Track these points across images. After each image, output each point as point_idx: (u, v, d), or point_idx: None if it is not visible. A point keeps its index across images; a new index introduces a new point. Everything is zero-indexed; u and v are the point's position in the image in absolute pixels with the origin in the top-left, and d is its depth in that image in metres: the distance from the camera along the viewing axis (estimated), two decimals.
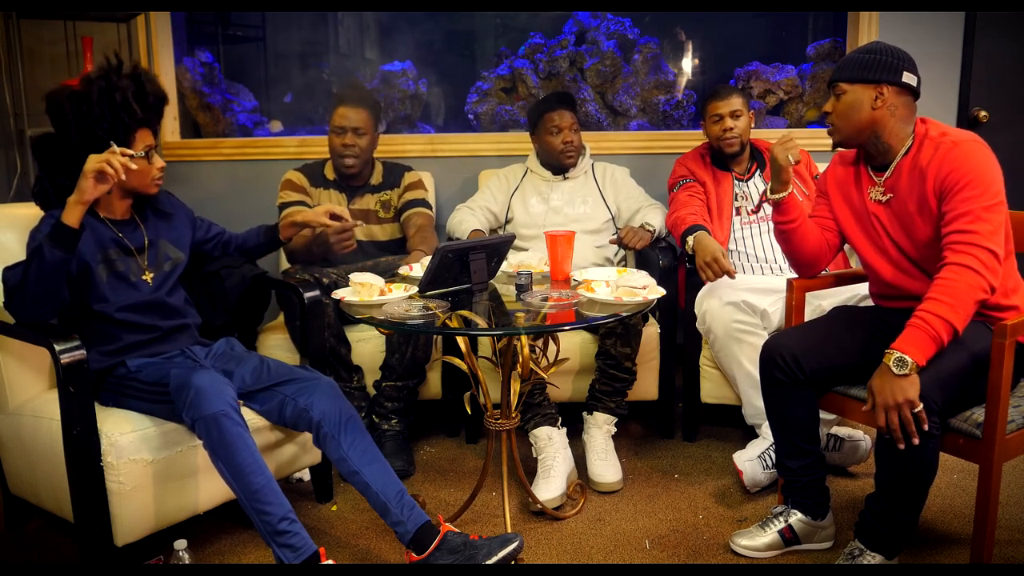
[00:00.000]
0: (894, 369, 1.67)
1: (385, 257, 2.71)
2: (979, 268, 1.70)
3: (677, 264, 2.62)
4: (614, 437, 2.50)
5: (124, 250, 2.01)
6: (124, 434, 1.83)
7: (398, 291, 1.98)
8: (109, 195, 1.98)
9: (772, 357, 1.96)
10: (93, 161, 1.78)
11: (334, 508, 2.30)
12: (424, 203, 2.81)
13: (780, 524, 2.03)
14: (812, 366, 1.93)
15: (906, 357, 1.66)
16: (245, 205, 3.20)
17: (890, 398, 1.66)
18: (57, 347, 1.74)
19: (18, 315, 1.86)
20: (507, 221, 2.87)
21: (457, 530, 1.88)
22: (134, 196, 2.05)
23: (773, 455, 2.30)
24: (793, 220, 2.04)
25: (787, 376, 1.94)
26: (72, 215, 1.78)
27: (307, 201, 2.73)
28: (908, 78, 1.86)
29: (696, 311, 2.49)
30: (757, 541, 2.03)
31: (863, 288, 2.25)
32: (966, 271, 1.70)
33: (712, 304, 2.40)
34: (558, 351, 2.18)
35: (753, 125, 2.74)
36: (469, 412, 2.23)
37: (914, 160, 1.86)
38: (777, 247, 2.60)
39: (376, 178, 2.82)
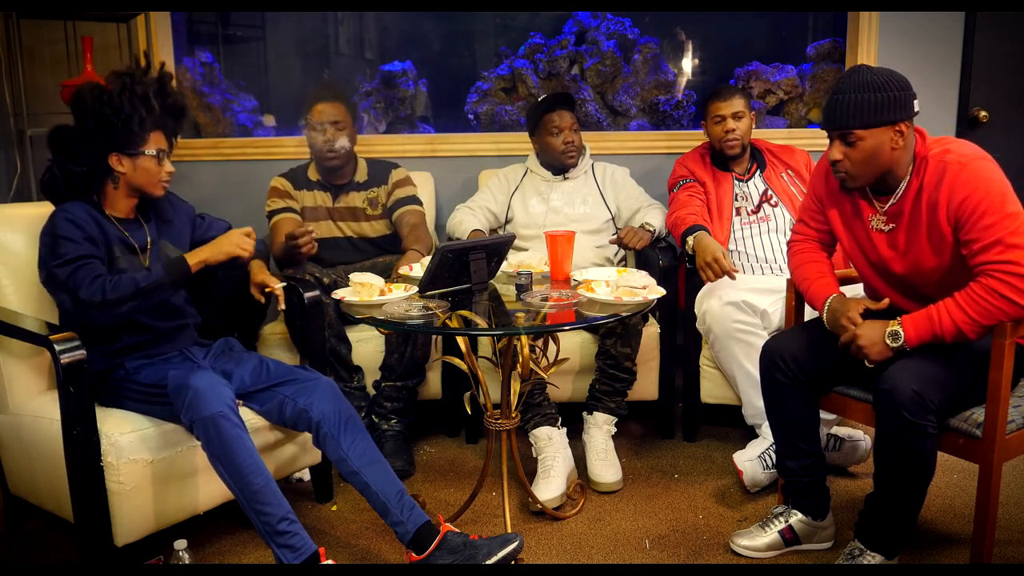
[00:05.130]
0: (887, 338, 1.78)
1: (383, 257, 2.70)
2: (1016, 298, 1.67)
3: (677, 264, 2.62)
4: (614, 437, 2.50)
5: (128, 248, 2.01)
6: (124, 434, 1.83)
7: (398, 291, 1.98)
8: (116, 192, 1.99)
9: (772, 358, 1.96)
10: (235, 242, 1.99)
11: (334, 508, 2.30)
12: (415, 200, 2.80)
13: (780, 524, 2.03)
14: (812, 367, 1.93)
15: (902, 335, 1.76)
16: (245, 205, 3.19)
17: (860, 337, 1.81)
18: (57, 347, 1.74)
19: (96, 323, 1.89)
20: (507, 221, 2.87)
21: (457, 530, 1.88)
22: (139, 196, 2.05)
23: (773, 455, 2.29)
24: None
25: (788, 377, 1.94)
26: (196, 261, 1.95)
27: (293, 206, 2.73)
28: (917, 106, 1.78)
29: (696, 311, 2.49)
30: (757, 541, 2.03)
31: (863, 288, 2.25)
32: (1000, 299, 1.67)
33: (712, 304, 2.39)
34: (558, 351, 2.18)
35: (754, 126, 2.75)
36: (469, 412, 2.23)
37: (919, 184, 1.80)
38: (777, 247, 2.60)
39: (361, 175, 2.82)
